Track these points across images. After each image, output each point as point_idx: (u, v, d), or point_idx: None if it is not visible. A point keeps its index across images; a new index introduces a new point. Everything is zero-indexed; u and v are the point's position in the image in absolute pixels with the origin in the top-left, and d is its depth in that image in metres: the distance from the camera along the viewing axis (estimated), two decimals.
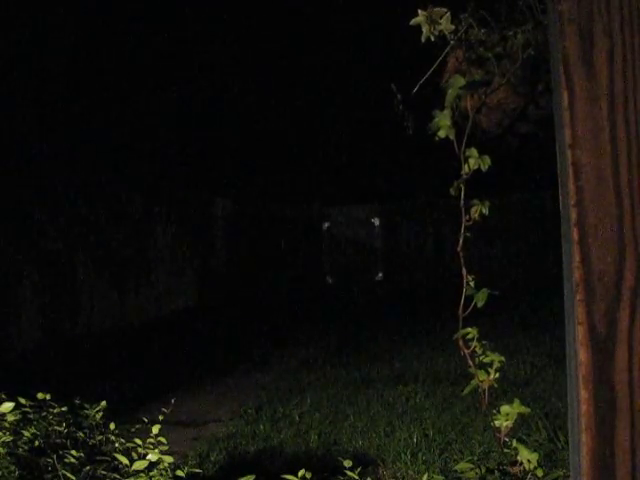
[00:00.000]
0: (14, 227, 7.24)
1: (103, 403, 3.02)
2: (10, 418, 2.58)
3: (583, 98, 0.88)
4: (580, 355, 0.89)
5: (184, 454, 4.46)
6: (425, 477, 2.57)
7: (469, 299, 1.96)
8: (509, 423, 2.12)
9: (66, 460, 2.46)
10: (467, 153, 1.84)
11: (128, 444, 2.73)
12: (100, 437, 2.86)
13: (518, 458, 2.25)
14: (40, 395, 2.88)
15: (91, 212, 8.72)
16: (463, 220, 1.90)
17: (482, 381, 2.07)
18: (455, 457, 4.16)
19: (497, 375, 2.11)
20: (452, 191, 1.87)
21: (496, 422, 2.15)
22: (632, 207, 0.87)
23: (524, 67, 1.85)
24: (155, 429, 2.61)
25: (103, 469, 2.47)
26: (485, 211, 1.93)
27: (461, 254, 1.95)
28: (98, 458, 2.60)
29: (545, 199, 13.40)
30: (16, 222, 7.27)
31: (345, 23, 11.94)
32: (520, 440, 3.57)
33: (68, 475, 2.31)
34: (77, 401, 3.06)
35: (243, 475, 2.26)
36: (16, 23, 7.77)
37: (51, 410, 2.88)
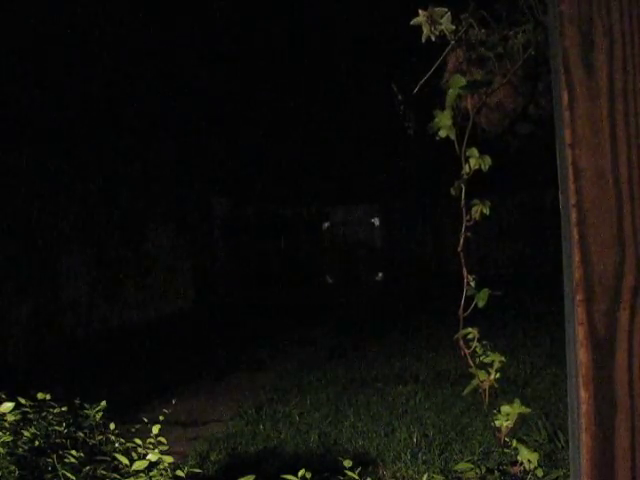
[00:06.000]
0: (11, 227, 7.24)
1: (103, 403, 3.02)
2: (10, 418, 2.58)
3: (583, 98, 0.88)
4: (580, 355, 0.88)
5: (184, 454, 4.46)
6: (425, 477, 2.57)
7: (469, 299, 1.96)
8: (509, 423, 2.12)
9: (66, 460, 2.46)
10: (468, 153, 1.84)
11: (128, 444, 2.73)
12: (100, 437, 2.86)
13: (518, 458, 2.26)
14: (40, 395, 2.88)
15: (90, 211, 8.72)
16: (464, 220, 1.90)
17: (482, 381, 2.07)
18: (455, 457, 4.17)
19: (498, 375, 2.10)
20: (453, 191, 1.87)
21: (496, 422, 2.15)
22: (632, 207, 0.87)
23: (525, 67, 1.85)
24: (155, 429, 2.61)
25: (103, 469, 2.47)
26: (486, 211, 1.92)
27: (462, 254, 1.95)
28: (98, 458, 2.59)
29: (545, 199, 13.42)
30: (15, 222, 7.26)
31: (345, 23, 11.95)
32: (520, 440, 3.57)
33: (68, 475, 2.31)
34: (77, 401, 3.06)
35: (243, 475, 2.26)
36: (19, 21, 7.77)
37: (51, 410, 2.87)
